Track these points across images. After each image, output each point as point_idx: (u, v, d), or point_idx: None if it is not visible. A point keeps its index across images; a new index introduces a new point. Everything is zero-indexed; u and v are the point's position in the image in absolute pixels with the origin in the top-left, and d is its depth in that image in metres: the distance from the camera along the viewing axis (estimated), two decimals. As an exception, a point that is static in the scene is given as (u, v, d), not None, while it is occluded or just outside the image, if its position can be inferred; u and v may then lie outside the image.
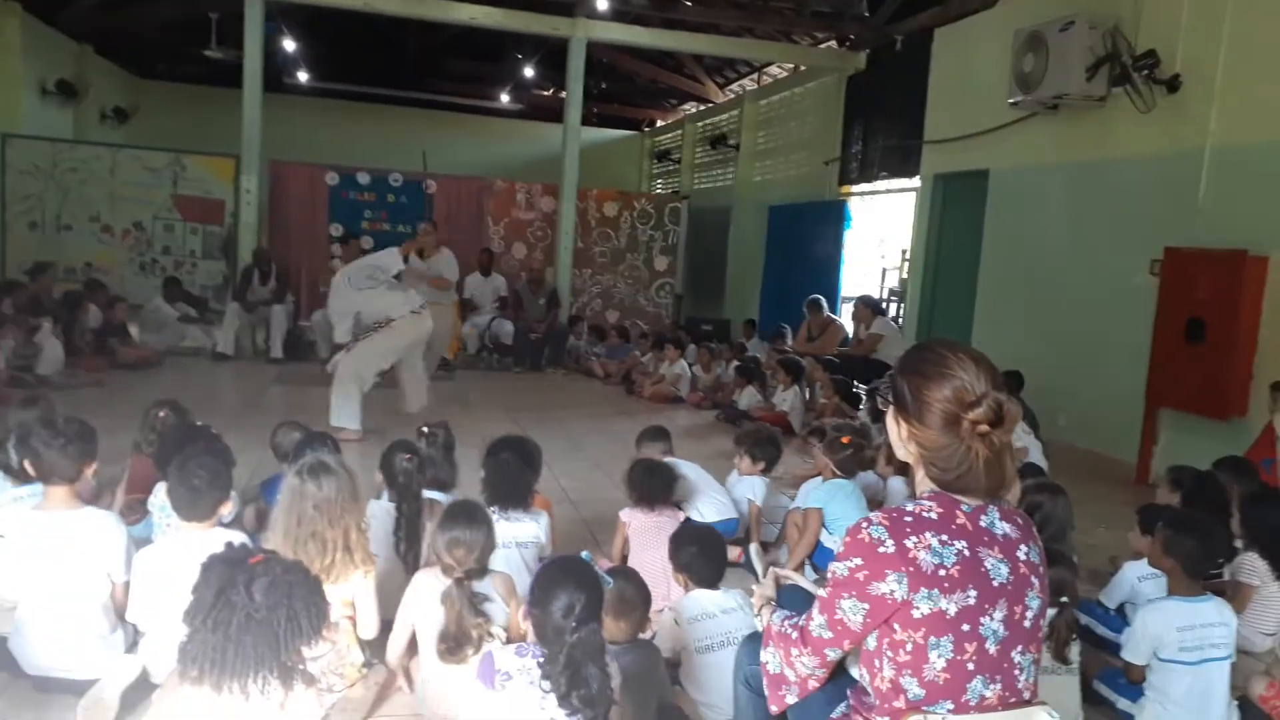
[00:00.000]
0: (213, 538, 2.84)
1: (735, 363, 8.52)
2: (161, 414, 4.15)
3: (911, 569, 1.64)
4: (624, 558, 3.73)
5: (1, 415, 4.68)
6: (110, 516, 2.95)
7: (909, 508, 1.73)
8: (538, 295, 10.81)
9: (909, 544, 1.66)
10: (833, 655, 1.80)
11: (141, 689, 2.68)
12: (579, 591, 2.09)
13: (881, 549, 1.67)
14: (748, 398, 7.76)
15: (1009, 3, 8.11)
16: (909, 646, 1.66)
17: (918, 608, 1.64)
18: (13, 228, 10.67)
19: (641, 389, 8.85)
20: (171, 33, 13.86)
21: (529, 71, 14.17)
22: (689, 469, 4.23)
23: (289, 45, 12.78)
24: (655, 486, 3.76)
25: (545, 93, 16.81)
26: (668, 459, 4.20)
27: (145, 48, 15.21)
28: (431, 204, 11.54)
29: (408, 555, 3.28)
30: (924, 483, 1.78)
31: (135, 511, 3.86)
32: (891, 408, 1.82)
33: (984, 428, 1.67)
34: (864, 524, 1.72)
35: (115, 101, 14.87)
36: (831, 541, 3.82)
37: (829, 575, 1.76)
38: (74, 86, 12.97)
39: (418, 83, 16.37)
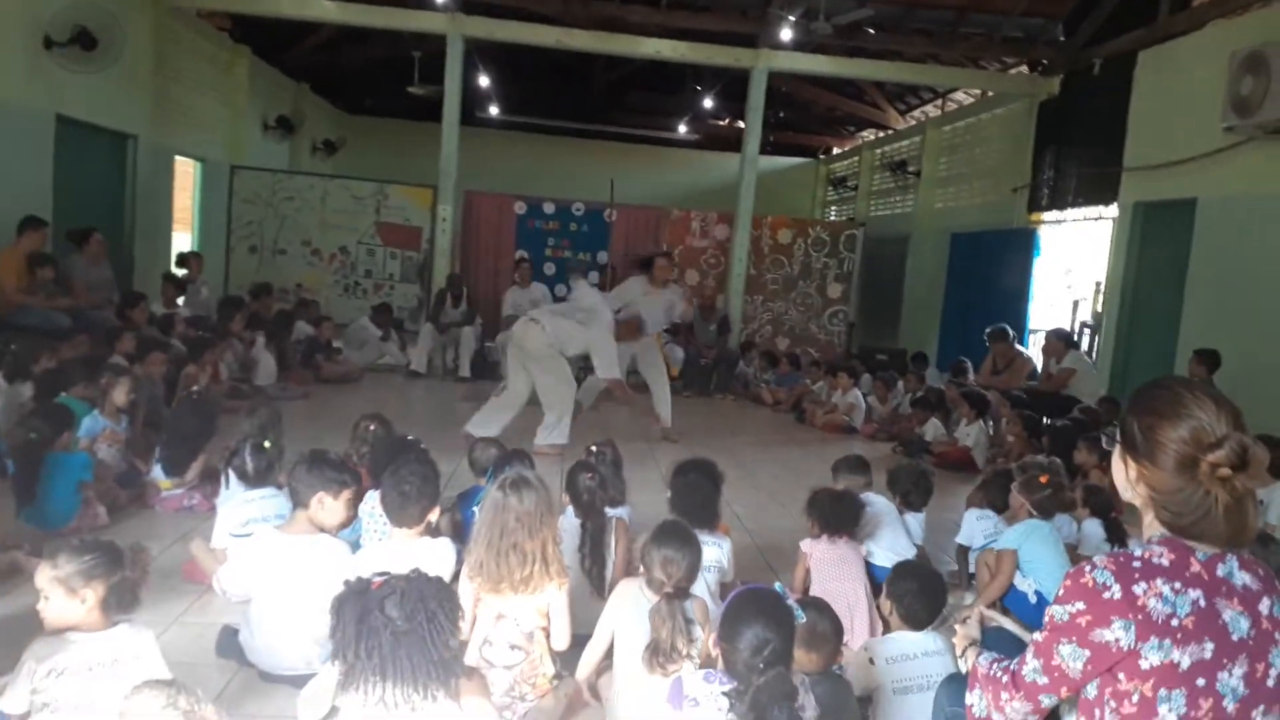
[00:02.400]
0: (423, 545, 3.03)
1: (917, 393, 8.28)
2: (371, 426, 4.46)
3: (1140, 616, 1.57)
4: (805, 589, 3.69)
5: (231, 424, 5.18)
6: (342, 546, 3.14)
7: (1137, 552, 1.65)
8: (709, 321, 10.90)
9: (1137, 590, 1.58)
10: (1047, 702, 1.74)
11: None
12: (769, 631, 2.08)
13: (1107, 594, 1.60)
14: (931, 430, 7.54)
15: (1220, 23, 7.62)
16: (1135, 698, 1.58)
17: (1146, 658, 1.56)
18: (236, 251, 11.70)
19: (813, 418, 8.74)
20: (378, 71, 14.93)
21: (708, 102, 14.37)
22: (880, 503, 4.14)
23: (484, 80, 13.47)
24: (841, 516, 3.70)
25: (722, 122, 17.00)
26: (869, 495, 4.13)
27: (354, 85, 16.46)
28: (611, 233, 11.85)
29: (592, 570, 3.38)
30: (1152, 526, 1.69)
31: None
32: (1119, 447, 1.75)
33: (1225, 471, 1.57)
34: (1088, 567, 1.65)
35: (325, 135, 16.15)
36: (1025, 584, 3.66)
37: (1046, 618, 1.70)
38: (291, 121, 14.18)
39: (601, 115, 16.92)
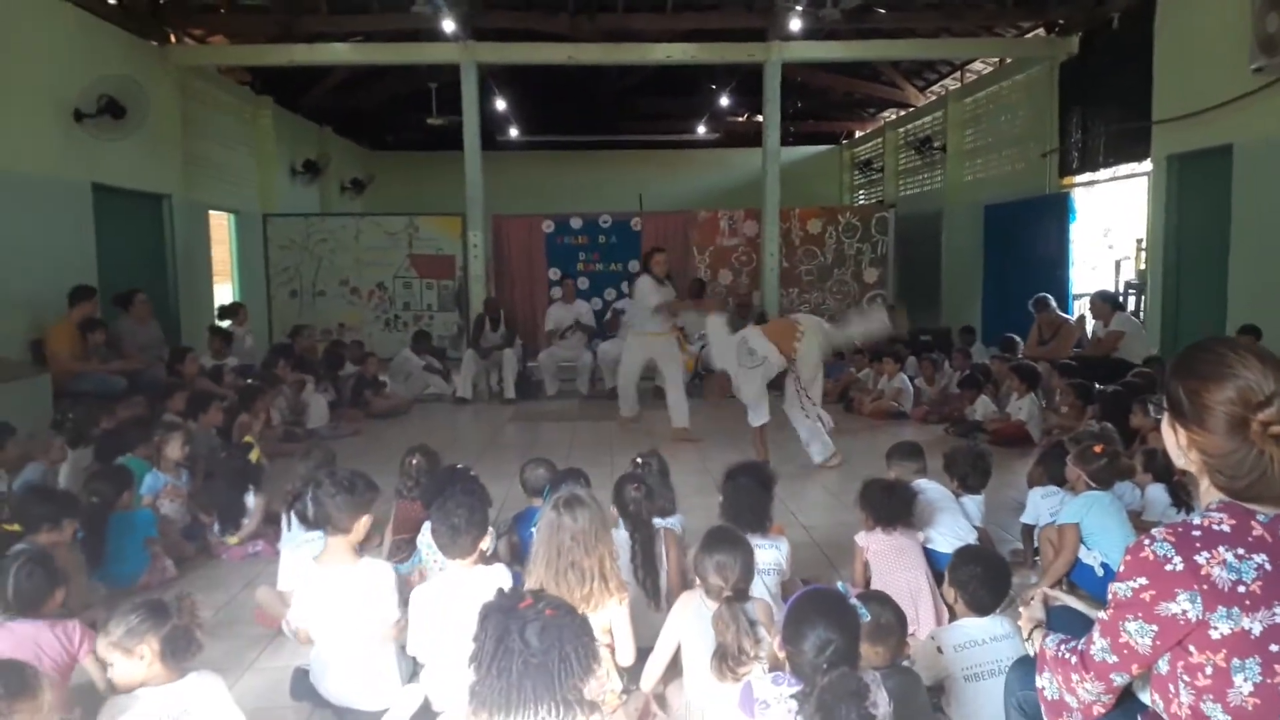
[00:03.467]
0: (477, 574, 3.06)
1: (965, 372, 8.18)
2: (414, 460, 4.50)
3: (1205, 586, 1.54)
4: (866, 582, 3.67)
5: (286, 467, 5.28)
6: (380, 565, 3.19)
7: (1196, 520, 1.63)
8: (746, 319, 10.85)
9: (1200, 560, 1.56)
10: (1119, 680, 1.72)
11: (424, 715, 2.92)
12: (831, 631, 2.07)
13: (1169, 566, 1.58)
14: (982, 408, 7.44)
15: (1239, -39, 7.44)
16: (1208, 670, 1.55)
17: (1215, 628, 1.54)
18: (276, 297, 11.92)
19: (861, 406, 8.67)
20: (397, 106, 15.15)
21: (724, 100, 14.35)
22: (933, 489, 4.09)
23: (500, 104, 13.60)
24: (894, 507, 3.66)
25: (739, 119, 16.97)
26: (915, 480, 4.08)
27: (375, 122, 16.73)
28: (640, 241, 11.89)
29: (646, 582, 3.38)
30: (1210, 493, 1.66)
31: (402, 550, 4.21)
32: (1166, 415, 1.72)
33: (1277, 429, 1.54)
34: (1146, 541, 1.63)
35: (352, 174, 16.43)
36: (1090, 557, 3.60)
37: (1110, 596, 1.68)
38: (318, 164, 14.43)
39: (618, 125, 17.00)
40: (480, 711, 1.95)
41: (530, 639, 1.92)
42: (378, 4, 10.27)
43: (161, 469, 4.89)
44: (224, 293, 11.94)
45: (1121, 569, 1.67)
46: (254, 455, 4.90)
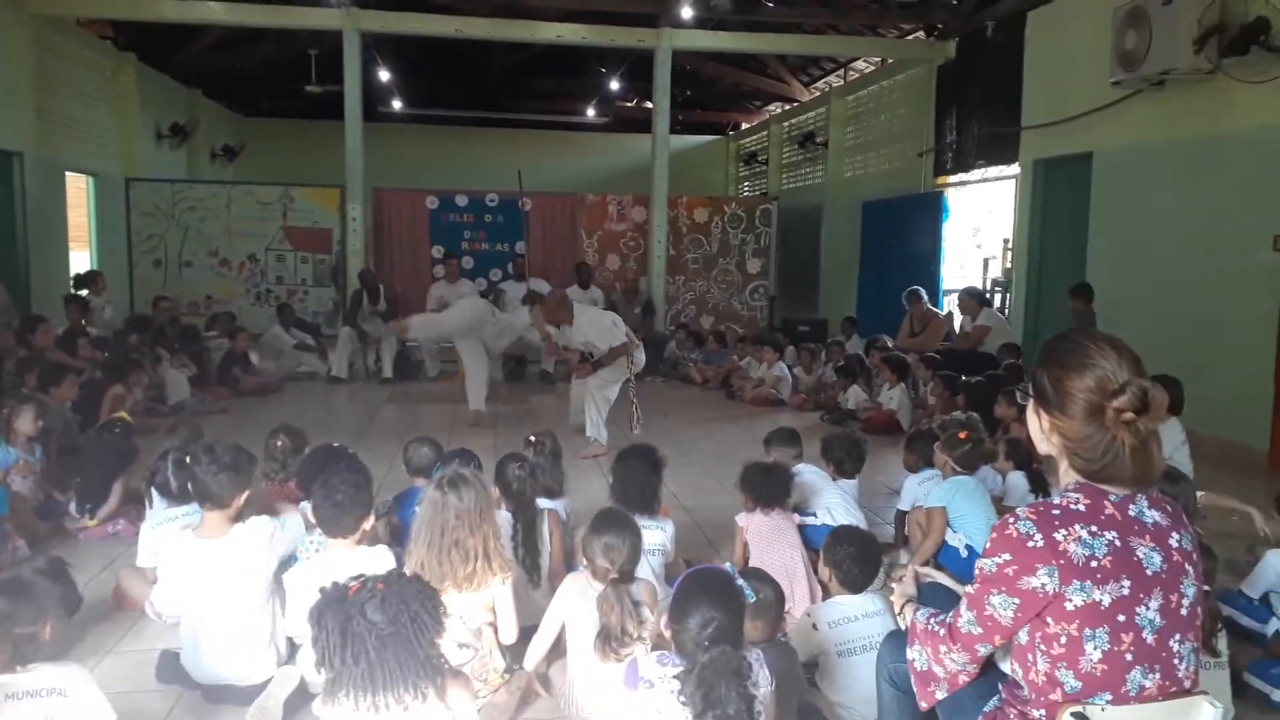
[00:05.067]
0: (359, 554, 2.99)
1: (839, 362, 8.45)
2: (279, 442, 4.36)
3: (1062, 562, 1.65)
4: (745, 561, 3.75)
5: (149, 443, 5.03)
6: (253, 522, 3.07)
7: (1055, 500, 1.74)
8: (633, 304, 10.92)
9: (1058, 537, 1.67)
10: (984, 651, 1.82)
11: (301, 697, 2.84)
12: (715, 610, 2.10)
13: (1030, 543, 1.68)
14: (854, 397, 7.70)
15: (1103, -20, 7.89)
16: (1063, 639, 1.66)
17: (1070, 600, 1.64)
18: (139, 266, 11.30)
19: (742, 393, 8.86)
20: (274, 71, 14.53)
21: (614, 84, 14.34)
22: (809, 472, 4.22)
23: (384, 75, 13.21)
24: (772, 488, 3.76)
25: (629, 104, 16.99)
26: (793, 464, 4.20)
27: (249, 87, 16.00)
28: (527, 222, 11.78)
29: (527, 561, 3.37)
30: (1068, 475, 1.78)
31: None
32: (1032, 400, 1.82)
33: (1129, 415, 1.66)
34: (1011, 519, 1.73)
35: (224, 140, 15.68)
36: (955, 539, 3.77)
37: (976, 571, 1.77)
38: (185, 129, 13.71)
39: (507, 103, 16.76)
40: (344, 702, 1.92)
41: (374, 616, 1.92)
42: (257, -37, 9.83)
43: (12, 443, 4.59)
44: (81, 260, 11.23)
45: (988, 546, 1.76)
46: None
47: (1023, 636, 1.74)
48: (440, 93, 16.06)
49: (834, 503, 4.03)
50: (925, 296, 9.08)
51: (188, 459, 3.38)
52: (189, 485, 3.51)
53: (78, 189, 11.22)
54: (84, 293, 8.97)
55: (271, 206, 11.50)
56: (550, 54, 13.70)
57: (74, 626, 3.37)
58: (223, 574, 2.96)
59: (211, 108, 15.46)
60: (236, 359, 8.88)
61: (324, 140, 13.33)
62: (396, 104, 15.63)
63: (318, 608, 1.97)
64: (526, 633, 2.97)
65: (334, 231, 11.41)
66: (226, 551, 2.98)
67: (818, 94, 14.93)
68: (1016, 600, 1.69)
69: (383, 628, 1.91)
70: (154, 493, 3.82)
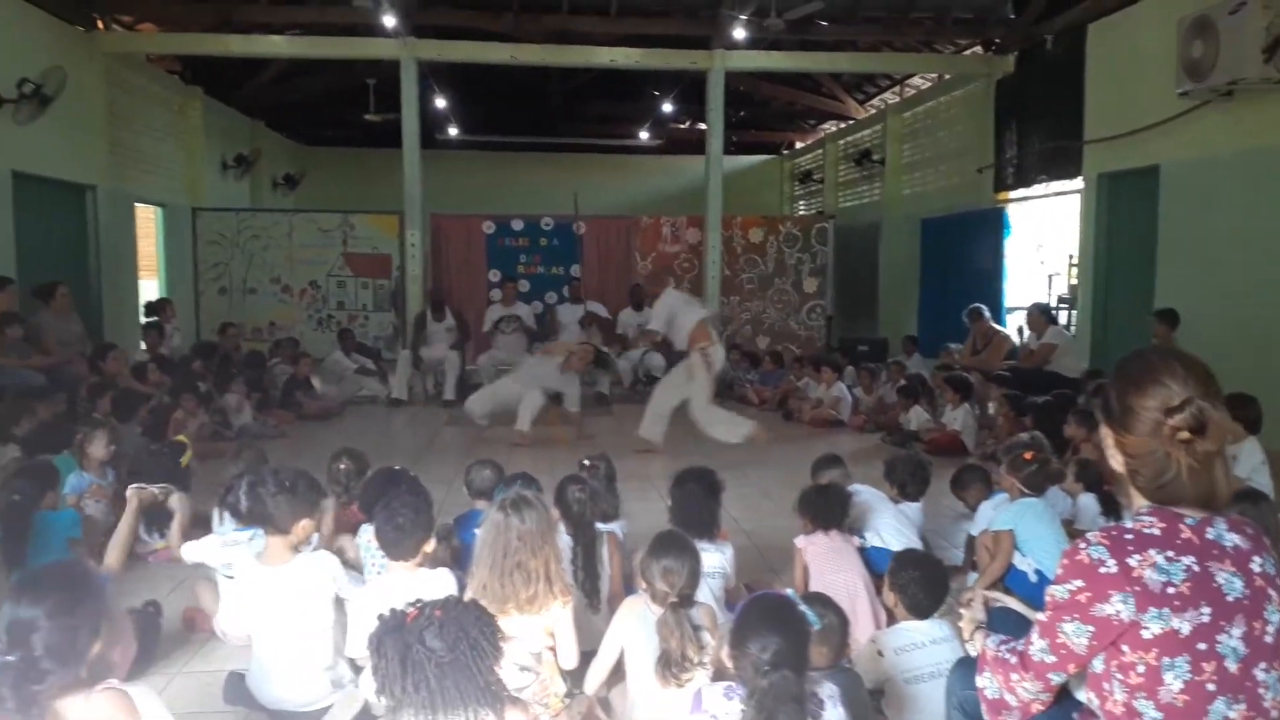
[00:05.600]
0: (421, 577, 3.00)
1: (900, 382, 8.31)
2: (342, 465, 4.40)
3: (1138, 588, 1.59)
4: (805, 585, 3.69)
5: (216, 467, 5.14)
6: (319, 555, 3.11)
7: (1128, 524, 1.69)
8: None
9: (1132, 562, 1.61)
10: (1056, 679, 1.76)
11: (364, 718, 2.85)
12: (776, 634, 2.07)
13: (1103, 569, 1.62)
14: (916, 418, 7.57)
15: (1166, -10, 7.73)
16: (1140, 668, 1.60)
17: (1147, 628, 1.59)
18: (205, 293, 11.61)
19: (800, 414, 8.76)
20: (333, 101, 14.89)
21: (667, 106, 14.42)
22: (867, 493, 4.15)
23: (440, 103, 13.45)
24: (829, 510, 3.72)
25: (682, 125, 17.06)
26: (853, 486, 4.13)
27: (309, 117, 16.41)
28: (582, 245, 11.85)
29: (586, 585, 3.35)
30: (1138, 498, 1.73)
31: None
32: (1103, 418, 1.78)
33: (1184, 435, 1.62)
34: (1082, 544, 1.68)
35: (285, 169, 16.09)
36: (1024, 564, 3.67)
37: (1047, 598, 1.72)
38: (249, 159, 14.10)
39: (560, 128, 16.95)
40: None
41: (433, 644, 1.90)
42: (317, -3, 10.10)
43: (86, 468, 4.72)
44: (150, 288, 11.58)
45: (1059, 572, 1.71)
46: (185, 458, 4.74)
47: (1098, 665, 1.68)
48: (496, 119, 16.31)
49: (886, 524, 3.95)
50: (988, 314, 8.90)
51: (257, 483, 3.46)
52: (253, 508, 3.58)
53: (146, 219, 11.59)
54: (153, 319, 9.25)
55: (332, 233, 11.73)
56: (604, 78, 13.83)
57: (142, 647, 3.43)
58: (283, 601, 2.98)
59: (273, 138, 15.89)
60: (299, 384, 9.04)
61: (382, 168, 13.59)
62: (453, 131, 15.89)
63: (377, 635, 1.96)
64: (586, 657, 2.94)
65: (393, 257, 11.59)
66: (287, 579, 3.01)
67: (873, 111, 14.83)
68: (1091, 628, 1.64)
69: (442, 655, 1.90)
70: (225, 514, 3.89)
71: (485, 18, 10.69)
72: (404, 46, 10.38)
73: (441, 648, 1.90)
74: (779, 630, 2.07)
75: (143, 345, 9.04)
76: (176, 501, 4.61)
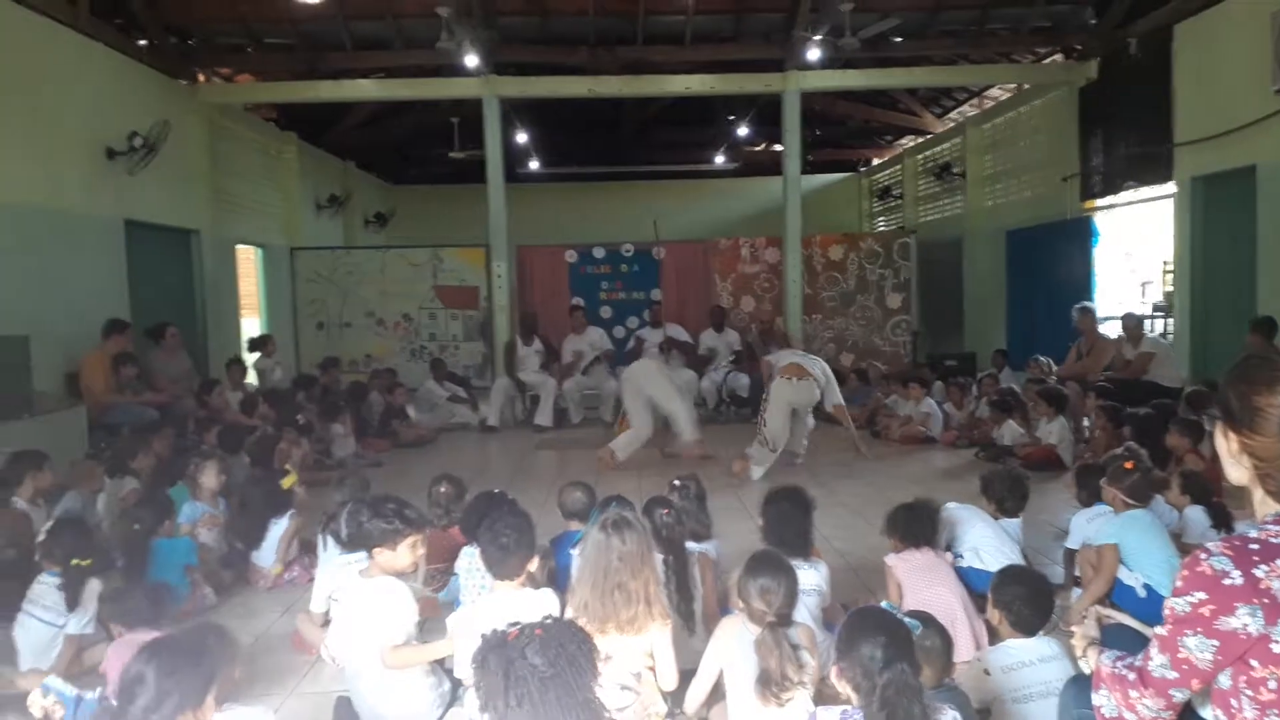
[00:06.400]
0: (525, 596, 3.08)
1: (992, 396, 8.14)
2: (442, 489, 4.54)
3: (1266, 600, 1.53)
4: (900, 604, 3.65)
5: (320, 495, 5.33)
6: (399, 586, 3.20)
7: (1253, 534, 1.62)
8: (770, 345, 10.86)
9: (1259, 573, 1.55)
10: (1179, 696, 1.70)
11: (470, 738, 2.92)
12: (882, 634, 2.10)
13: (1227, 580, 1.57)
14: (1010, 432, 7.41)
15: (1256, -14, 7.48)
16: (1272, 684, 1.54)
17: (1277, 641, 1.53)
18: (304, 329, 12.04)
19: (889, 431, 8.65)
20: (419, 140, 15.36)
21: (742, 130, 14.46)
22: (963, 510, 4.09)
23: (521, 137, 13.75)
24: (918, 526, 3.69)
25: (757, 148, 17.08)
26: (950, 504, 4.08)
27: (397, 157, 16.95)
28: (661, 269, 11.94)
29: (680, 607, 3.36)
30: (1265, 504, 1.66)
31: (437, 580, 4.24)
32: (1220, 423, 1.73)
33: None
34: (1203, 555, 1.63)
35: (375, 208, 16.62)
36: (1131, 578, 3.56)
37: (1166, 611, 1.68)
38: (341, 199, 14.62)
39: (637, 156, 17.14)
40: None
41: (535, 660, 1.96)
42: (401, 41, 10.45)
43: (198, 498, 4.95)
44: (252, 325, 12.07)
45: (1178, 584, 1.66)
46: (287, 482, 4.93)
47: (1224, 680, 1.62)
48: (573, 150, 16.58)
49: (986, 542, 3.87)
50: (1096, 313, 8.58)
51: (360, 509, 3.60)
52: (357, 533, 3.72)
53: (247, 260, 12.10)
54: (255, 356, 9.64)
55: (422, 268, 12.06)
56: (678, 105, 13.95)
57: (257, 670, 3.58)
58: (379, 616, 3.09)
59: (364, 178, 16.44)
60: (395, 413, 9.30)
61: (468, 203, 13.92)
62: (534, 164, 16.22)
63: (481, 652, 2.03)
64: (685, 676, 2.96)
65: (481, 288, 11.86)
66: (372, 598, 3.12)
67: (952, 124, 14.63)
68: (1215, 642, 1.58)
69: (544, 670, 1.95)
70: (328, 539, 4.04)
71: (562, 53, 10.92)
72: (486, 84, 10.66)
73: (543, 663, 1.96)
74: (884, 630, 2.11)
75: (251, 381, 9.44)
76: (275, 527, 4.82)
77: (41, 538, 3.86)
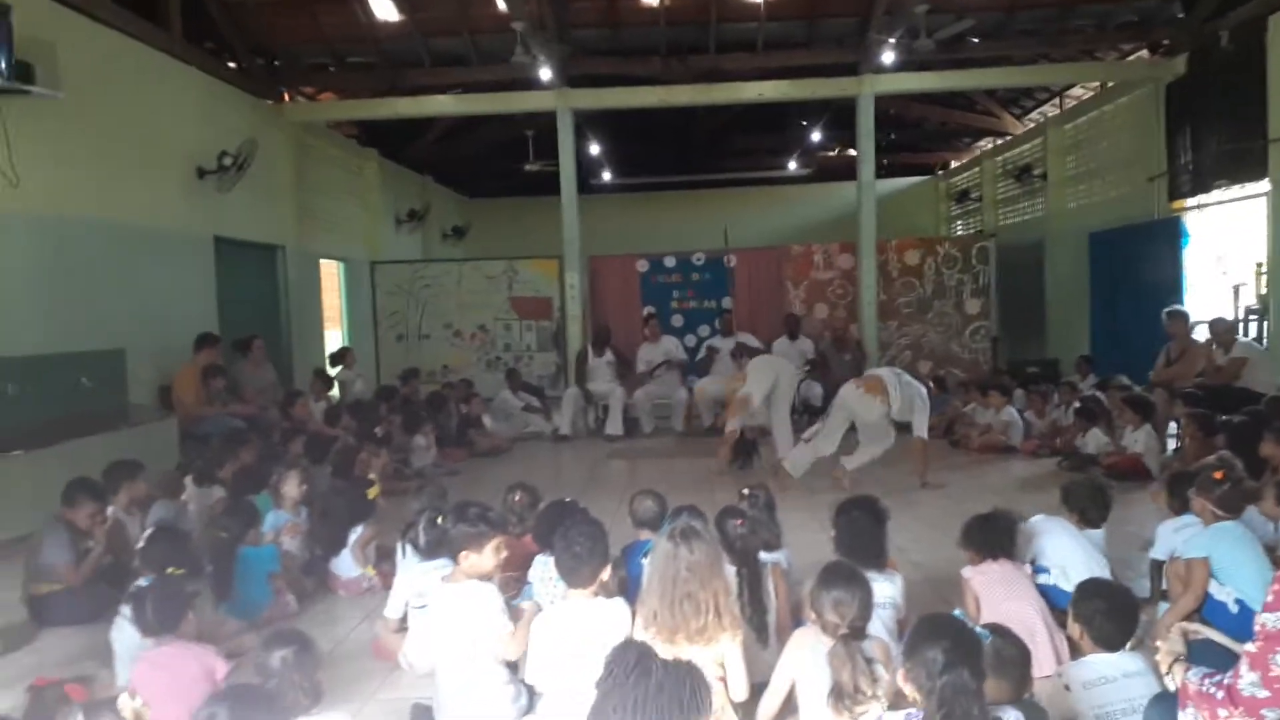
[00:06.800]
0: (598, 605, 3.10)
1: (1074, 404, 7.91)
2: (517, 497, 4.59)
3: None
4: (977, 619, 3.57)
5: (398, 504, 5.44)
6: (490, 590, 3.29)
7: (1348, 548, 1.57)
8: (843, 352, 10.76)
9: None
10: (1272, 716, 1.64)
11: (542, 743, 2.96)
12: (945, 638, 2.12)
13: None
14: (1094, 441, 7.19)
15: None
16: (1365, 703, 1.48)
17: None
18: (384, 341, 12.34)
19: (968, 440, 8.46)
20: (495, 154, 15.61)
21: (816, 135, 14.35)
22: (1047, 522, 3.97)
23: (594, 149, 13.88)
24: (995, 538, 3.61)
25: (832, 153, 16.93)
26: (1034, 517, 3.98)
27: (473, 170, 17.25)
28: (733, 277, 11.91)
29: (754, 619, 3.33)
30: None
31: (510, 587, 4.29)
32: None
33: None
34: (1294, 568, 1.57)
35: (453, 221, 16.97)
36: (1223, 593, 3.42)
37: (1257, 628, 1.62)
38: (420, 213, 14.94)
39: (709, 164, 17.14)
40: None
41: (664, 668, 2.06)
42: (477, 56, 10.65)
43: (281, 507, 5.09)
44: (334, 338, 12.40)
45: (1270, 599, 1.61)
46: (372, 492, 5.05)
47: (1316, 700, 1.56)
48: (646, 160, 16.65)
49: (1072, 556, 3.75)
50: (1189, 317, 8.26)
51: (439, 517, 3.67)
52: (439, 539, 3.80)
53: (330, 274, 12.45)
54: (337, 368, 9.91)
55: (497, 279, 12.25)
56: (750, 111, 13.90)
57: (335, 674, 3.67)
58: (465, 624, 3.15)
59: (441, 192, 16.79)
60: (471, 422, 9.46)
61: (543, 214, 14.09)
62: (606, 175, 16.34)
63: (615, 650, 2.17)
64: (756, 689, 2.95)
65: (554, 299, 11.99)
66: (461, 603, 3.18)
67: (1032, 125, 14.30)
68: None
69: (665, 679, 2.05)
70: (407, 548, 4.12)
71: (634, 64, 11.00)
72: (559, 97, 10.79)
73: (667, 676, 2.06)
74: (948, 635, 2.12)
75: (335, 393, 9.71)
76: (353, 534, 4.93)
77: (140, 545, 4.04)
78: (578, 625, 2.96)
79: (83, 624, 4.27)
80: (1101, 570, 3.78)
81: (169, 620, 3.22)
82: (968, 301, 11.97)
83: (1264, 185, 8.53)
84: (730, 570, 3.41)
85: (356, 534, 4.88)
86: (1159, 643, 2.10)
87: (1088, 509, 4.11)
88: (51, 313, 6.74)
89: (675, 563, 2.84)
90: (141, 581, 3.78)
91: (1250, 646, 1.63)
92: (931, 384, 10.35)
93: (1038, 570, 3.81)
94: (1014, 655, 2.51)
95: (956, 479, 7.10)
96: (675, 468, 7.98)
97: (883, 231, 11.60)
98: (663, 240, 14.40)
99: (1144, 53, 10.87)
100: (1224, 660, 1.87)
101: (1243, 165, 8.81)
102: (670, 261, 12.08)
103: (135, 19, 7.93)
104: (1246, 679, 1.64)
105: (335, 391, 10.00)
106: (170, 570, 3.65)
